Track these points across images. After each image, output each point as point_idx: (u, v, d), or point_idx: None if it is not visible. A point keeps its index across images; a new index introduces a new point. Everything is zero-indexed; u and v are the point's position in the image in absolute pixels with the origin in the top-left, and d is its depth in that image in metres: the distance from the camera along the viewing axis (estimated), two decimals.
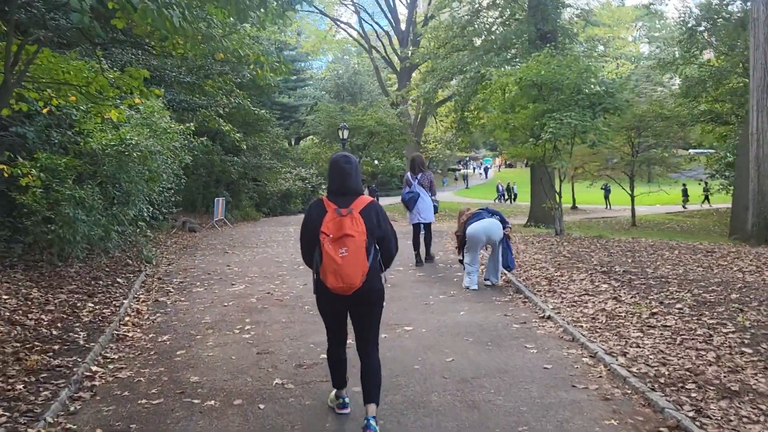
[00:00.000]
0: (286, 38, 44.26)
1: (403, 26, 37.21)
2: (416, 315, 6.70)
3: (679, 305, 6.41)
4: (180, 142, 10.71)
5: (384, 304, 3.87)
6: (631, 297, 6.89)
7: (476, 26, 21.74)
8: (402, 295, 7.70)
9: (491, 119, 16.50)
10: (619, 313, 6.31)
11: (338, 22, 40.35)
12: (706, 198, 32.96)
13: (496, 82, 12.90)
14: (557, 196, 13.12)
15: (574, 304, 6.84)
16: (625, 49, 39.89)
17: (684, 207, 33.88)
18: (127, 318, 6.82)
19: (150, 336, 6.23)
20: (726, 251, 10.62)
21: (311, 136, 41.06)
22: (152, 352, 5.67)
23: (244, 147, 22.02)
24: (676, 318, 5.99)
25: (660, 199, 29.24)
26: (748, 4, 26.57)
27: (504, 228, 7.87)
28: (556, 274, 8.36)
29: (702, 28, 26.24)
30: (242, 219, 26.05)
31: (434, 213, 9.65)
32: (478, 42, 22.60)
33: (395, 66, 38.65)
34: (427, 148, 44.28)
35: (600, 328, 5.88)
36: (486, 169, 57.94)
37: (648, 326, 5.82)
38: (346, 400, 4.16)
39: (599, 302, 6.80)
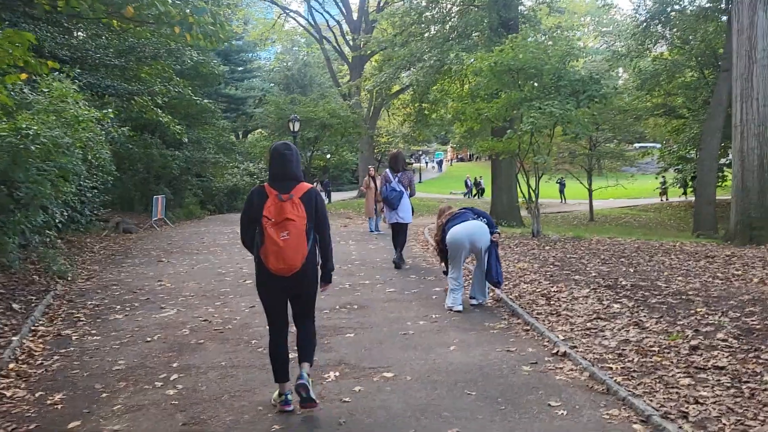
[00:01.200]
0: (232, 26, 41.95)
1: (355, 15, 35.56)
2: (395, 352, 5.17)
3: (720, 335, 5.08)
4: (95, 132, 8.82)
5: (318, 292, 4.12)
6: (656, 322, 5.54)
7: (434, 13, 20.30)
8: (373, 321, 6.17)
9: (455, 108, 15.17)
10: (650, 346, 4.93)
11: (287, 11, 38.39)
12: (664, 192, 32.58)
13: (468, 67, 11.46)
14: (533, 194, 11.84)
15: (588, 332, 5.44)
16: (576, 43, 39.28)
17: (664, 200, 33.20)
18: (11, 365, 5.05)
19: (37, 395, 4.50)
20: (724, 255, 9.49)
21: (260, 130, 39.01)
22: (32, 426, 3.97)
23: (186, 140, 20.01)
24: (726, 355, 4.65)
25: (613, 194, 28.55)
26: None
27: (492, 233, 6.42)
28: (552, 290, 6.97)
29: (656, 21, 25.49)
30: (185, 218, 23.99)
31: (412, 213, 9.34)
32: (434, 30, 21.18)
33: (347, 57, 36.98)
34: (380, 141, 42.75)
35: (635, 371, 4.48)
36: (440, 163, 56.86)
37: (696, 368, 4.46)
38: (290, 397, 4.06)
39: (618, 330, 5.42)
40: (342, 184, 46.38)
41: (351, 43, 36.36)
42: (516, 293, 7.00)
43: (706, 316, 5.63)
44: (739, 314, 5.62)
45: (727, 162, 27.89)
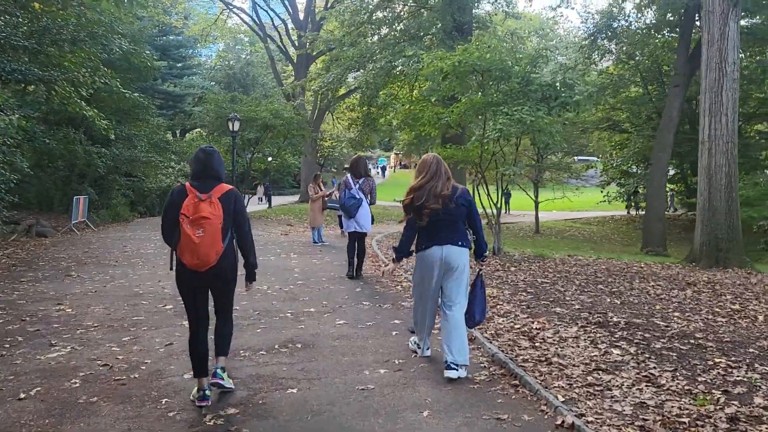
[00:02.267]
0: (171, 21, 39.72)
1: (301, 15, 34.07)
2: (353, 420, 3.88)
3: (758, 399, 4.04)
4: None
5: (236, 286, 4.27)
6: (672, 377, 4.47)
7: (386, 14, 19.16)
8: (322, 368, 4.85)
9: (408, 112, 14.06)
10: (677, 415, 3.83)
11: (231, 7, 36.49)
12: (631, 205, 32.35)
13: (428, 66, 10.29)
14: (495, 209, 10.81)
15: (591, 390, 4.30)
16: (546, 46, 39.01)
17: (635, 212, 32.73)
18: None
19: None
20: (704, 281, 8.65)
21: (198, 129, 36.92)
22: None
23: (113, 137, 18.09)
24: None
25: (557, 206, 28.09)
26: (649, 12, 26.08)
27: (478, 258, 5.03)
28: (534, 327, 5.83)
29: (603, 35, 25.17)
30: (111, 220, 21.95)
31: (371, 222, 8.84)
32: (385, 31, 20.04)
33: (292, 57, 35.42)
34: (324, 145, 41.31)
35: None
36: (383, 169, 55.81)
37: None
38: (208, 393, 4.10)
39: (629, 387, 4.31)
40: (283, 188, 44.65)
41: (296, 42, 34.85)
42: (491, 330, 5.82)
43: (729, 370, 4.60)
44: (766, 367, 4.62)
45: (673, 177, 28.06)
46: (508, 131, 8.37)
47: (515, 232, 26.38)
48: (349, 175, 8.78)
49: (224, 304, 4.27)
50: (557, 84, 8.86)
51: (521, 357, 5.01)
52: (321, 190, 13.95)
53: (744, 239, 11.85)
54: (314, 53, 34.56)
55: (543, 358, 4.95)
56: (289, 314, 6.61)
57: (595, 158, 42.53)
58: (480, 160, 10.47)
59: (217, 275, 4.02)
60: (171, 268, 4.07)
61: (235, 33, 46.04)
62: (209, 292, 4.18)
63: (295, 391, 4.38)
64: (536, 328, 5.74)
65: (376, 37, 20.38)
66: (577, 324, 5.85)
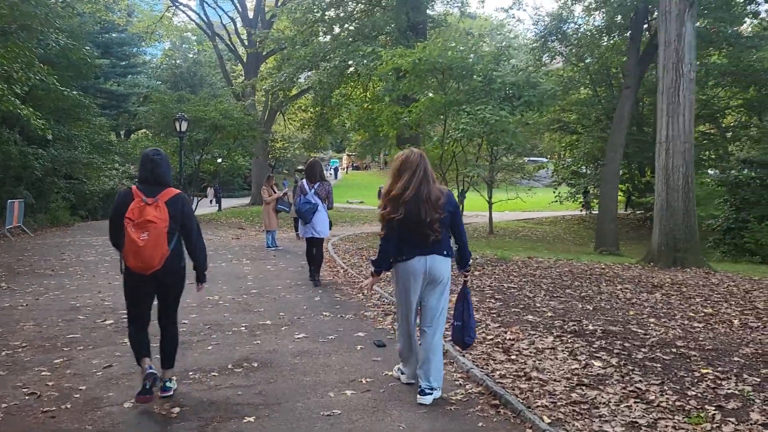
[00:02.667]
0: (114, 18, 38.15)
1: (251, 14, 33.18)
2: None
3: (755, 415, 3.76)
4: None
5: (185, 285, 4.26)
6: (660, 392, 4.16)
7: (338, 12, 18.66)
8: (281, 391, 4.34)
9: (364, 112, 13.66)
10: None
11: (177, 4, 35.24)
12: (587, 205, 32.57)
13: (387, 64, 9.86)
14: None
15: (577, 409, 3.94)
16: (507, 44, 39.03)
17: (586, 212, 32.74)
18: None
19: None
20: (669, 283, 8.50)
21: (144, 130, 35.53)
22: None
23: (50, 137, 17.00)
24: None
25: (508, 206, 28.07)
26: (598, 15, 26.39)
27: (462, 268, 4.42)
28: (507, 337, 5.47)
29: (553, 37, 25.31)
30: (50, 224, 20.72)
31: (329, 227, 8.47)
32: (337, 29, 19.54)
33: (241, 56, 34.49)
34: (275, 146, 40.43)
35: None
36: (336, 170, 55.10)
37: None
38: (152, 369, 4.06)
39: (616, 404, 3.97)
40: (233, 189, 43.45)
41: (246, 41, 33.94)
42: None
43: (718, 381, 4.32)
44: (758, 378, 4.37)
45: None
46: (472, 131, 8.03)
47: (469, 232, 26.27)
48: (304, 179, 8.41)
49: (168, 308, 4.24)
50: (520, 83, 8.56)
51: (498, 372, 4.62)
52: (274, 192, 13.35)
53: None
54: (264, 52, 33.75)
55: (521, 373, 4.58)
56: (243, 328, 6.07)
57: (544, 159, 42.98)
58: (440, 161, 10.13)
59: (162, 279, 4.02)
60: (121, 272, 4.06)
61: (182, 31, 44.62)
62: (154, 295, 4.17)
63: (252, 419, 3.87)
64: (510, 339, 5.38)
65: (328, 37, 19.85)
66: (552, 333, 5.52)
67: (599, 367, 4.67)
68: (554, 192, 27.58)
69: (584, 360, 4.82)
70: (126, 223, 3.83)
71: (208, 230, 19.02)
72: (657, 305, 6.92)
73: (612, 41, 22.55)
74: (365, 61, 16.12)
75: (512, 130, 8.45)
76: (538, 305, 6.65)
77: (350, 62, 16.70)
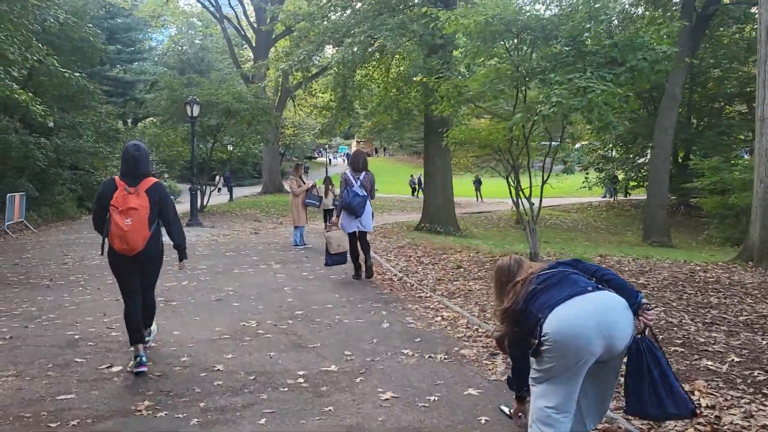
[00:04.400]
0: (119, 2, 36.10)
1: None
2: None
3: None
4: None
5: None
6: None
7: None
8: None
9: (380, 96, 11.74)
10: None
11: None
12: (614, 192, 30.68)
13: (449, 26, 7.97)
14: (527, 204, 8.67)
15: None
16: None
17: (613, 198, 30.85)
18: None
19: None
20: None
21: (151, 118, 33.64)
22: None
23: (51, 123, 15.15)
24: None
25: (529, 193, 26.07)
26: None
27: (641, 311, 2.85)
28: (699, 400, 3.65)
29: None
30: (56, 219, 18.97)
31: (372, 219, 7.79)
32: (358, 5, 17.55)
33: (250, 40, 32.47)
34: (285, 133, 38.50)
35: None
36: (348, 156, 53.05)
37: None
38: (144, 359, 4.38)
39: None
40: (242, 178, 41.52)
41: (255, 24, 31.91)
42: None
43: None
44: None
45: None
46: (568, 105, 6.17)
47: (495, 221, 24.49)
48: (348, 170, 7.68)
49: (150, 283, 4.64)
50: (623, 44, 6.66)
51: None
52: (303, 183, 11.52)
53: None
54: (275, 34, 31.75)
55: None
56: (301, 380, 4.26)
57: (555, 142, 40.76)
58: (511, 146, 8.33)
59: (144, 258, 4.37)
60: (102, 253, 4.40)
61: (189, 15, 42.50)
62: (139, 272, 4.47)
63: None
64: (708, 406, 3.56)
65: (348, 11, 17.87)
66: (763, 392, 3.70)
67: None
68: (586, 177, 25.74)
69: None
70: (111, 210, 4.21)
71: (222, 224, 17.22)
72: None
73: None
74: (391, 35, 14.22)
75: (617, 104, 6.60)
76: (701, 340, 4.80)
77: (376, 37, 14.73)
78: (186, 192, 28.33)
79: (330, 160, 47.59)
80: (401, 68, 18.96)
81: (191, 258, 10.10)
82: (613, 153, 27.26)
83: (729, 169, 18.06)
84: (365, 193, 7.43)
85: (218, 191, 25.17)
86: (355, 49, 14.68)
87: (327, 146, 54.07)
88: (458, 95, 8.49)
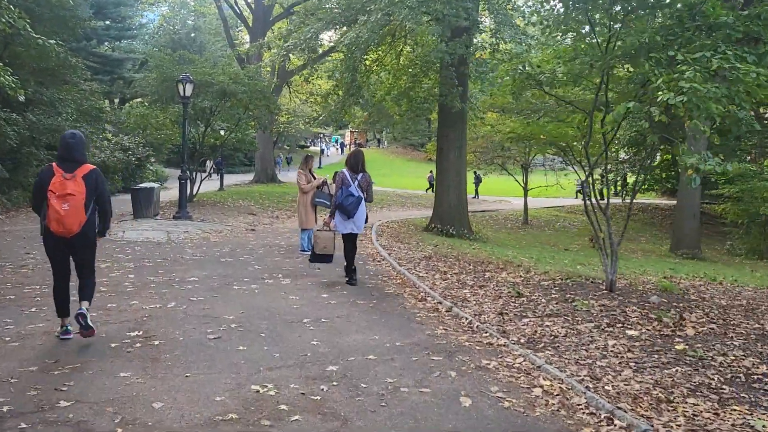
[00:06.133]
0: None
1: None
2: None
3: None
4: None
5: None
6: None
7: None
8: None
9: (390, 83, 9.83)
10: None
11: None
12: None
13: None
14: (604, 223, 6.86)
15: None
16: None
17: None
18: None
19: None
20: None
21: (140, 99, 31.30)
22: None
23: (22, 97, 13.02)
24: None
25: (532, 192, 24.17)
26: None
27: None
28: None
29: None
30: (27, 203, 16.75)
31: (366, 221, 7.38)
32: None
33: (247, 21, 30.24)
34: (279, 120, 36.34)
35: None
36: (342, 145, 50.97)
37: None
38: (69, 327, 4.77)
39: None
40: (233, 165, 39.21)
41: (252, 5, 29.73)
42: None
43: None
44: None
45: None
46: (703, 93, 4.36)
47: (501, 221, 22.70)
48: (345, 169, 7.35)
49: (85, 263, 4.79)
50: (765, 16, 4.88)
51: None
52: (314, 178, 9.60)
53: None
54: (272, 18, 29.60)
55: None
56: None
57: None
58: (587, 142, 6.53)
59: (78, 241, 4.58)
60: (41, 234, 4.61)
61: None
62: (70, 254, 4.71)
63: None
64: None
65: None
66: None
67: None
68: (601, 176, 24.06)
69: None
70: (49, 195, 4.40)
71: (215, 218, 15.22)
72: None
73: None
74: (412, 14, 12.32)
75: (762, 93, 4.81)
76: None
77: (395, 13, 12.77)
78: (173, 179, 26.19)
79: (323, 150, 45.26)
80: (418, 51, 17.07)
81: (179, 266, 8.16)
82: (621, 154, 25.60)
83: (759, 176, 16.54)
84: (360, 194, 7.13)
85: (208, 176, 23.02)
86: (369, 28, 12.70)
87: (322, 135, 51.83)
88: (527, 78, 6.63)
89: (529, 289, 6.69)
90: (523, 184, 22.27)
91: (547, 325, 5.33)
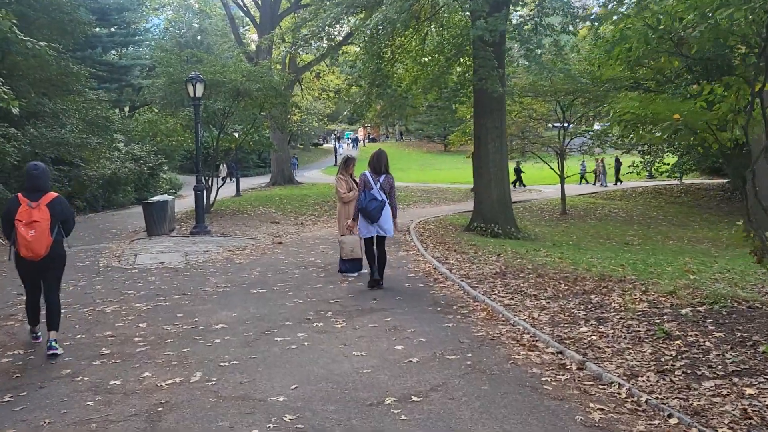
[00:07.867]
0: None
1: None
2: None
3: None
4: None
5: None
6: None
7: None
8: None
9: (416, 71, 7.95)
10: None
11: None
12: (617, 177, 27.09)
13: None
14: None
15: None
16: None
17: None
18: None
19: None
20: None
21: (150, 105, 29.68)
22: None
23: (16, 110, 11.32)
24: None
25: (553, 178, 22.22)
26: None
27: None
28: None
29: None
30: None
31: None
32: None
33: (254, 18, 28.43)
34: (292, 119, 34.51)
35: None
36: (355, 140, 48.98)
37: None
38: (39, 334, 5.20)
39: None
40: (247, 168, 37.37)
41: (260, 1, 27.91)
42: None
43: None
44: None
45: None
46: None
47: (536, 212, 20.78)
48: (367, 171, 6.95)
49: (53, 282, 5.01)
50: None
51: None
52: (355, 184, 7.81)
53: None
54: (280, 12, 27.77)
55: None
56: None
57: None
58: (733, 126, 4.72)
59: (48, 263, 4.83)
60: (9, 259, 4.88)
61: None
62: (41, 274, 4.93)
63: None
64: None
65: None
66: None
67: None
68: (642, 160, 22.22)
69: None
70: (17, 224, 4.64)
71: (236, 230, 13.49)
72: None
73: None
74: None
75: None
76: None
77: None
78: (188, 185, 24.45)
79: (337, 148, 43.30)
80: (444, 35, 15.25)
81: (202, 305, 6.43)
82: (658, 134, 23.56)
83: None
84: (383, 197, 6.80)
85: (222, 180, 21.17)
86: (397, 7, 10.86)
87: (334, 132, 49.86)
88: (659, 38, 4.80)
89: (673, 325, 4.85)
90: (559, 172, 20.31)
91: (750, 394, 3.52)
